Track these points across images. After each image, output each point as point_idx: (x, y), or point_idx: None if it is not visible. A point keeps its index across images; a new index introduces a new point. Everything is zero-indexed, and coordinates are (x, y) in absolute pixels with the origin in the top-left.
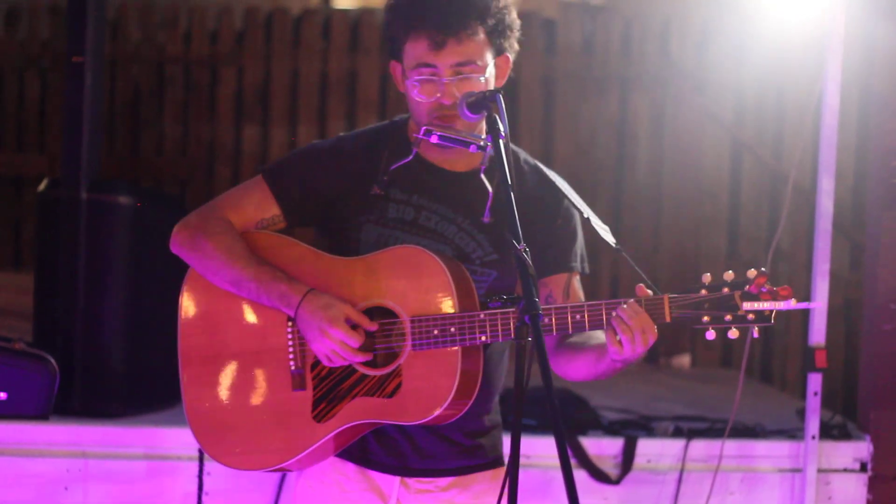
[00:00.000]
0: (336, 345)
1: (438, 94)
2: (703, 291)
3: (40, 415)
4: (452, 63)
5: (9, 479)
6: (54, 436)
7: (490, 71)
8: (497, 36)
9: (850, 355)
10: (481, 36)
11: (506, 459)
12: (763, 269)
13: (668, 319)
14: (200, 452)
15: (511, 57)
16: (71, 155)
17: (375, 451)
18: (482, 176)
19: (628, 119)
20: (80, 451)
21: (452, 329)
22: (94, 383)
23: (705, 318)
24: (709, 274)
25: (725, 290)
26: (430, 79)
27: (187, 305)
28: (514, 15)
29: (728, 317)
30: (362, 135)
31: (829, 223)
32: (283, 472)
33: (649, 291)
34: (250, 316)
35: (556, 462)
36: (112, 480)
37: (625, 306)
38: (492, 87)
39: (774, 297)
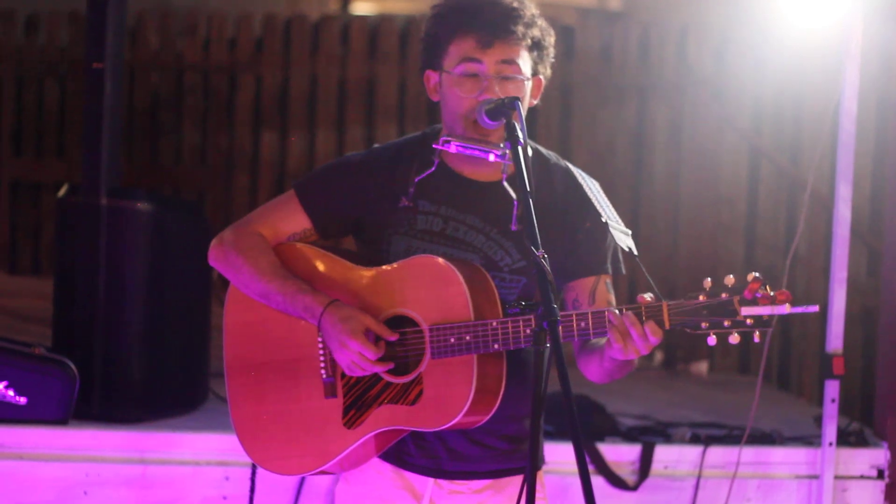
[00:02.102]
0: (355, 356)
1: (479, 92)
2: (702, 297)
3: (60, 420)
4: (498, 60)
5: (28, 484)
6: (73, 441)
7: (529, 83)
8: (536, 54)
9: (868, 362)
10: (524, 49)
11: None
12: (757, 274)
13: (667, 326)
14: (253, 466)
15: (543, 82)
16: (90, 161)
17: (412, 452)
18: (505, 184)
19: (646, 126)
20: (98, 456)
21: (468, 337)
22: (113, 388)
23: (704, 325)
24: (709, 279)
25: (724, 295)
26: (475, 74)
27: (231, 317)
28: (553, 41)
29: (727, 322)
30: (393, 147)
31: (847, 230)
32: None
33: (648, 298)
34: (285, 325)
35: (574, 468)
36: (130, 486)
37: (616, 312)
38: (527, 101)
39: (772, 301)
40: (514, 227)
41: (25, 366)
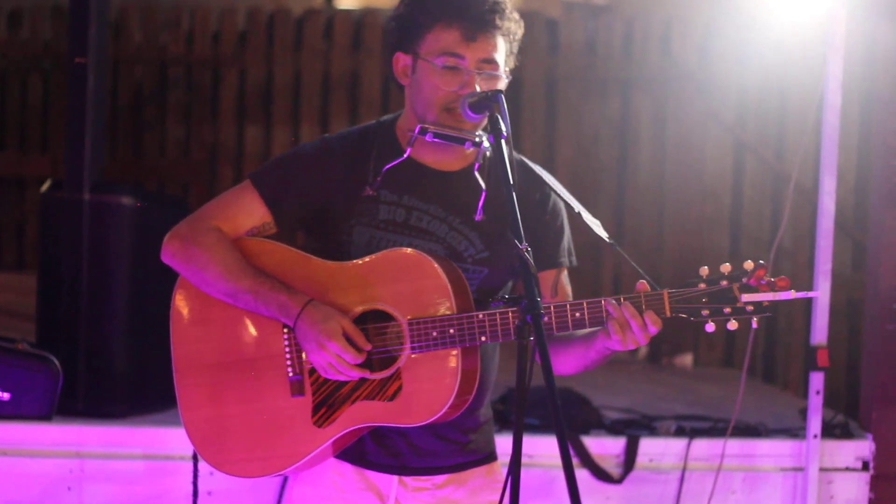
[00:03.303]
0: (333, 358)
1: (459, 86)
2: (702, 285)
3: (43, 415)
4: (480, 58)
5: (12, 480)
6: (57, 436)
7: (506, 78)
8: (509, 46)
9: (853, 354)
10: (503, 42)
11: (507, 458)
12: (761, 261)
13: (668, 314)
14: (195, 456)
15: (508, 73)
16: (74, 156)
17: (373, 451)
18: (476, 173)
19: (630, 119)
20: (83, 452)
21: (451, 330)
22: (97, 384)
23: (704, 312)
24: (706, 267)
25: (724, 282)
26: (456, 68)
27: (180, 313)
28: (522, 33)
29: (727, 309)
30: (349, 136)
31: (831, 223)
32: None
33: (648, 287)
34: (245, 323)
35: (559, 461)
36: (115, 481)
37: (613, 301)
38: None
39: (773, 288)
40: (477, 217)
41: (9, 361)
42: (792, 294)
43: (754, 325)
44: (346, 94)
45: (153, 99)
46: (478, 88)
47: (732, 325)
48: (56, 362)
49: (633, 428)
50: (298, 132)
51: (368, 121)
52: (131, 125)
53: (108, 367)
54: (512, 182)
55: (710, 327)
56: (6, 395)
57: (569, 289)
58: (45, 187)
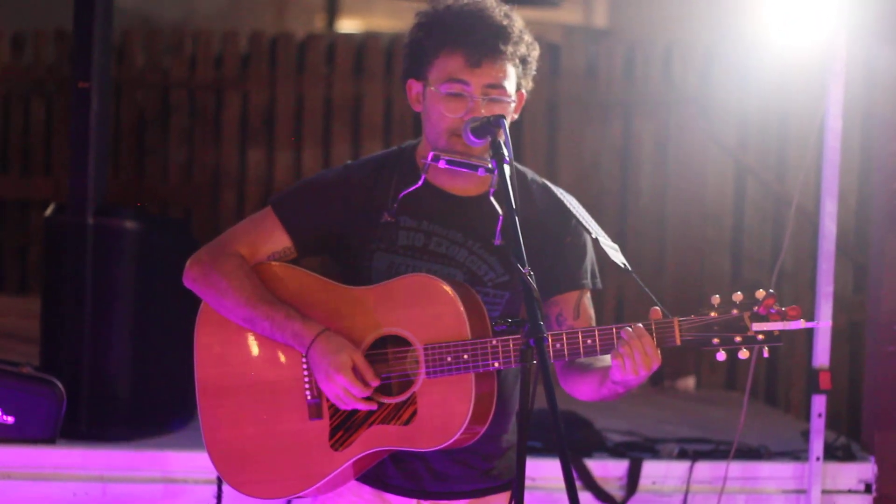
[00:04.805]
0: (340, 391)
1: (464, 112)
2: (713, 314)
3: (47, 438)
4: (485, 83)
5: (16, 503)
6: (61, 459)
7: (513, 102)
8: (521, 69)
9: (855, 377)
10: (511, 67)
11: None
12: (771, 290)
13: (678, 342)
14: (219, 479)
15: (525, 96)
16: (77, 180)
17: (392, 474)
18: (492, 198)
19: (632, 143)
20: (86, 475)
21: (465, 356)
22: (101, 407)
23: (715, 340)
24: (718, 296)
25: (735, 311)
26: (461, 94)
27: (203, 336)
28: (537, 55)
29: (738, 338)
30: (369, 162)
31: (833, 245)
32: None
33: (659, 314)
34: (266, 347)
35: (562, 484)
36: None
37: (629, 329)
38: (510, 118)
39: (783, 317)
40: (497, 242)
41: (13, 385)
42: (802, 323)
43: (765, 355)
44: (349, 118)
45: (156, 123)
46: (484, 112)
47: (743, 354)
48: (60, 386)
49: (636, 451)
50: (301, 156)
51: (370, 144)
52: (134, 149)
53: (112, 390)
54: (515, 206)
55: (721, 356)
56: (10, 419)
57: (591, 311)
58: (48, 211)
